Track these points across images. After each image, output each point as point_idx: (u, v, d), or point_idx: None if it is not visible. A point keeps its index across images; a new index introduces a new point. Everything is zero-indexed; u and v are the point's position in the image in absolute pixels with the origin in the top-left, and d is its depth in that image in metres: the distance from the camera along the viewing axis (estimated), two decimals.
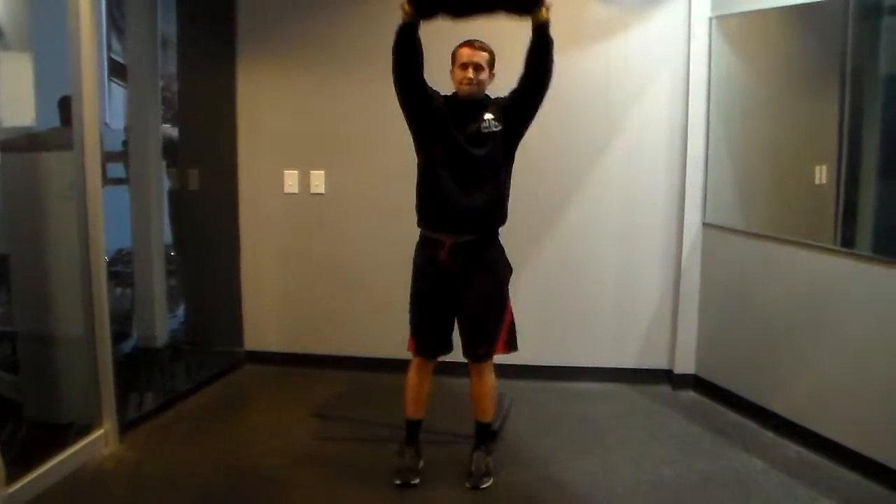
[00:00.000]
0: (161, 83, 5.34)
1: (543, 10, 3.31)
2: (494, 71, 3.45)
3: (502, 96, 3.42)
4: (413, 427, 3.59)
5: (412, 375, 3.54)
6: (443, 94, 3.46)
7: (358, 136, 4.87)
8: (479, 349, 3.43)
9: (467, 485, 3.40)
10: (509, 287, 3.53)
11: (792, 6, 3.95)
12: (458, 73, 3.41)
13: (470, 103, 3.39)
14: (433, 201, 3.40)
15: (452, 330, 3.49)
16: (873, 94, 3.71)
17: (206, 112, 5.10)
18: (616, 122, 4.65)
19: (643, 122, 4.63)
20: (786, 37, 4.20)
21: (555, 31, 4.60)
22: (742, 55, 4.34)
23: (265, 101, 4.97)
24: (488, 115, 3.37)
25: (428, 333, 3.49)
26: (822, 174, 3.89)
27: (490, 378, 3.48)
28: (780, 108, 4.20)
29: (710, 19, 4.41)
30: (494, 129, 3.36)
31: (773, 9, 4.05)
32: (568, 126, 4.66)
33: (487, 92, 3.45)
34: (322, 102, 4.89)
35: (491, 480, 3.43)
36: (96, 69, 3.63)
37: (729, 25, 4.34)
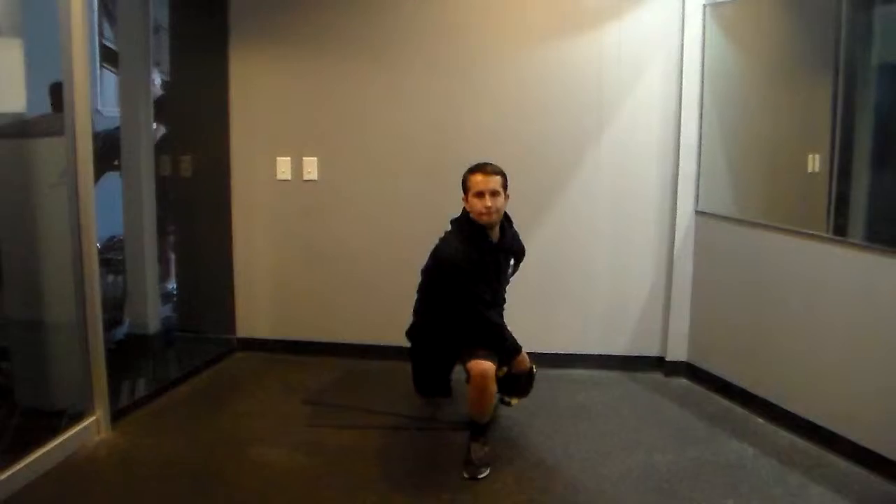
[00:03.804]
0: (153, 69, 5.32)
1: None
2: (508, 192, 3.53)
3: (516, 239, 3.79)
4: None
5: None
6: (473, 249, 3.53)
7: (351, 122, 4.86)
8: (480, 351, 3.46)
9: (465, 474, 3.40)
10: None
11: None
12: (476, 203, 3.43)
13: (496, 248, 3.60)
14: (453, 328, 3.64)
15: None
16: (866, 83, 3.70)
17: (199, 98, 5.08)
18: (609, 110, 4.64)
19: (636, 110, 4.62)
20: (780, 25, 4.20)
21: (548, 18, 4.63)
22: (736, 43, 4.33)
23: (258, 88, 4.95)
24: (511, 261, 3.76)
25: (436, 384, 3.93)
26: (815, 163, 3.89)
27: (491, 385, 3.46)
28: (773, 96, 4.19)
29: (704, 6, 4.40)
30: (511, 269, 3.80)
31: None
32: (560, 114, 4.66)
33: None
34: (315, 89, 4.87)
35: (488, 470, 3.42)
36: (88, 55, 3.61)
37: (723, 13, 4.33)
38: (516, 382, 3.65)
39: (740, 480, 3.36)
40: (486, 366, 3.38)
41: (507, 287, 3.90)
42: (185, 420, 4.04)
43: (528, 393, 3.72)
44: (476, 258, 3.47)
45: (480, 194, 3.40)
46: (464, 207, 3.57)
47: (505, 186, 3.49)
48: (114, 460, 3.55)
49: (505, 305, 3.92)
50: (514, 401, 3.70)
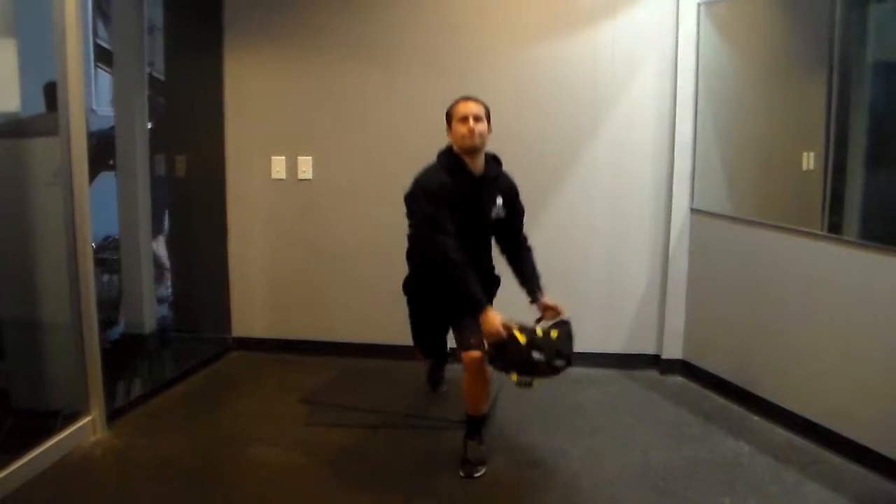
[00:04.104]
0: (147, 69, 5.31)
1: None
2: (491, 125, 3.54)
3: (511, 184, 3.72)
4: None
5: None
6: (450, 181, 3.50)
7: (345, 121, 4.86)
8: (471, 339, 3.41)
9: (461, 473, 3.40)
10: None
11: None
12: (459, 127, 3.45)
13: (480, 181, 3.55)
14: (436, 275, 3.52)
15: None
16: (861, 81, 3.71)
17: (194, 98, 5.08)
18: (604, 108, 4.65)
19: (631, 109, 4.63)
20: (774, 23, 4.20)
21: (542, 17, 4.63)
22: (730, 41, 4.33)
23: (252, 87, 4.95)
24: (499, 201, 3.63)
25: (431, 346, 4.07)
26: (809, 160, 3.90)
27: (485, 372, 3.45)
28: (768, 94, 4.20)
29: (699, 5, 4.40)
30: (501, 216, 3.65)
31: None
32: (555, 113, 4.67)
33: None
34: (309, 88, 4.87)
35: (484, 469, 3.42)
36: (82, 55, 3.60)
37: (717, 11, 4.33)
38: (508, 355, 3.35)
39: (736, 478, 3.37)
40: (476, 353, 3.38)
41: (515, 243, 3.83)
42: (182, 420, 4.04)
43: (532, 369, 3.32)
44: (451, 188, 3.46)
45: (464, 119, 3.43)
46: (448, 144, 3.58)
47: (489, 117, 3.52)
48: (109, 460, 3.54)
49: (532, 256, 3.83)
50: (514, 377, 3.34)
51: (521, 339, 3.29)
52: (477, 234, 3.62)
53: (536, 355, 3.27)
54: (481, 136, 3.45)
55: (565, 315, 3.53)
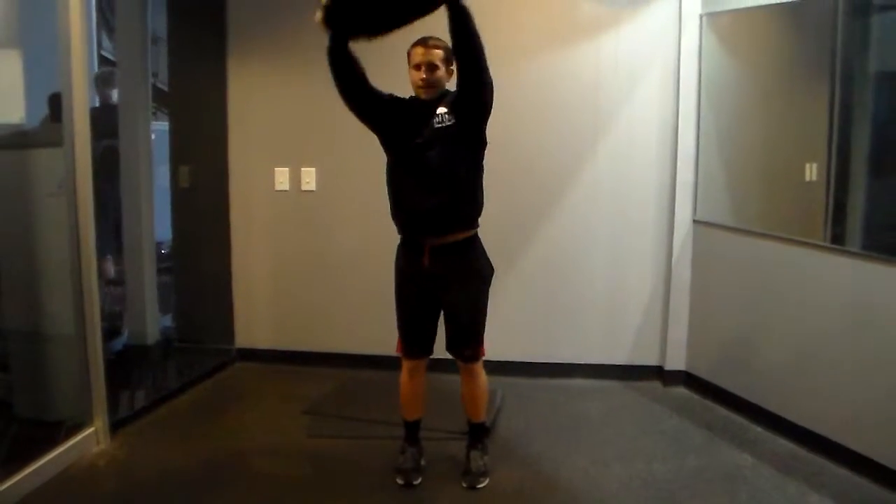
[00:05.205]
0: (151, 80, 5.33)
1: None
2: (452, 67, 3.32)
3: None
4: (412, 427, 3.59)
5: (404, 377, 3.51)
6: (403, 96, 3.42)
7: (349, 132, 4.82)
8: (465, 351, 3.40)
9: (464, 484, 3.40)
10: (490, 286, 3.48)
11: (782, 3, 3.96)
12: (414, 74, 3.33)
13: (425, 102, 3.33)
14: (399, 207, 3.43)
15: (437, 331, 3.46)
16: (863, 92, 3.72)
17: (197, 109, 5.09)
18: (606, 119, 4.65)
19: (633, 120, 4.63)
20: (776, 34, 4.21)
21: (545, 30, 4.63)
22: (733, 52, 4.34)
23: (256, 98, 4.96)
24: (441, 110, 3.28)
25: (414, 336, 3.47)
26: (812, 171, 3.90)
27: (481, 378, 3.47)
28: (770, 105, 4.20)
29: (701, 16, 4.41)
30: (448, 124, 3.26)
31: (764, 6, 4.05)
32: (558, 124, 4.67)
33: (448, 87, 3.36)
34: (313, 99, 4.86)
35: (487, 480, 3.42)
36: (86, 66, 3.62)
37: (719, 23, 4.34)
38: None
39: (740, 489, 3.36)
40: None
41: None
42: (185, 431, 4.04)
43: None
44: (400, 99, 3.41)
45: (418, 66, 3.30)
46: None
47: (447, 61, 3.32)
48: (112, 471, 3.54)
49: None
50: None
51: None
52: (420, 158, 3.34)
53: None
54: (433, 86, 3.30)
55: None
